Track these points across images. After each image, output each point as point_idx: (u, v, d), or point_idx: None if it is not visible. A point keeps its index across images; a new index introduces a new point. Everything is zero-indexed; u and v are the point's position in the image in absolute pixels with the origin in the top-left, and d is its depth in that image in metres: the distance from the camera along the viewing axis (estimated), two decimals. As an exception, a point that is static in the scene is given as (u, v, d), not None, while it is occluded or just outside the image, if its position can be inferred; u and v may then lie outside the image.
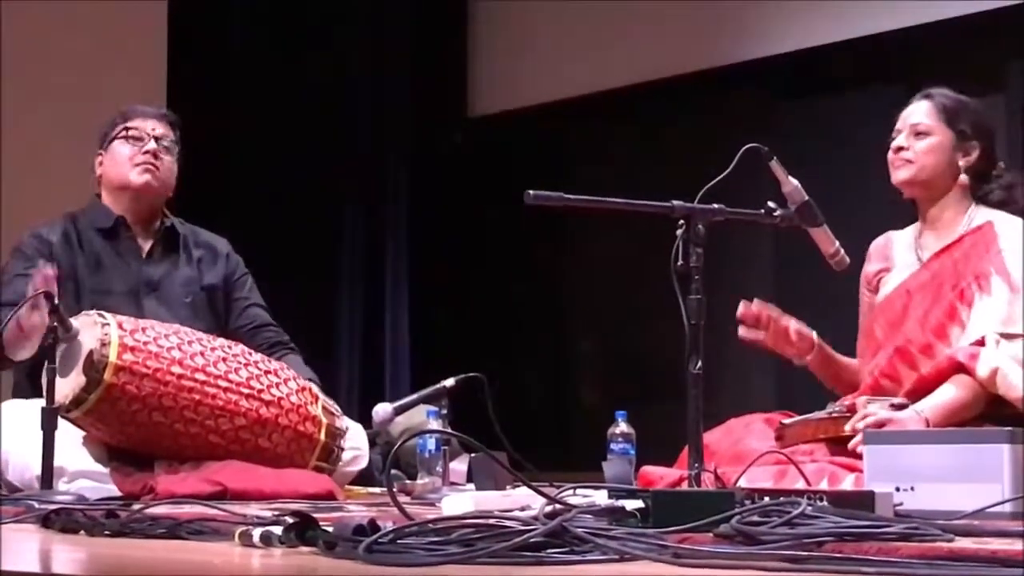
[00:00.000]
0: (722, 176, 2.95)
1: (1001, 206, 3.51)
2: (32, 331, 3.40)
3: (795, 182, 3.12)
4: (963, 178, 3.51)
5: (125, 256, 4.00)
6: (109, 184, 4.04)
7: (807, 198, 3.12)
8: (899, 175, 3.54)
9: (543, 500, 2.23)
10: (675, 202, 2.91)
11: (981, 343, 3.27)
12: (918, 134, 3.52)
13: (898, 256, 3.65)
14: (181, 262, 4.06)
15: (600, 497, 2.47)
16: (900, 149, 3.53)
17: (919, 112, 3.54)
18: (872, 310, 3.65)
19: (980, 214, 3.51)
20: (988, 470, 2.58)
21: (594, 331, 6.74)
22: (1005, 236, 3.41)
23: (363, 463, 3.90)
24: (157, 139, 4.02)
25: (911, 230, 3.65)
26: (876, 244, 3.72)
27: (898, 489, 2.59)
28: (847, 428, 3.26)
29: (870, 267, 3.70)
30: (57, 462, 3.23)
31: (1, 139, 5.66)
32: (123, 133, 4.02)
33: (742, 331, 3.55)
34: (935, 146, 3.51)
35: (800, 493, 2.34)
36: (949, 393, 3.24)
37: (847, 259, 3.21)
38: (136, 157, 3.99)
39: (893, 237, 3.69)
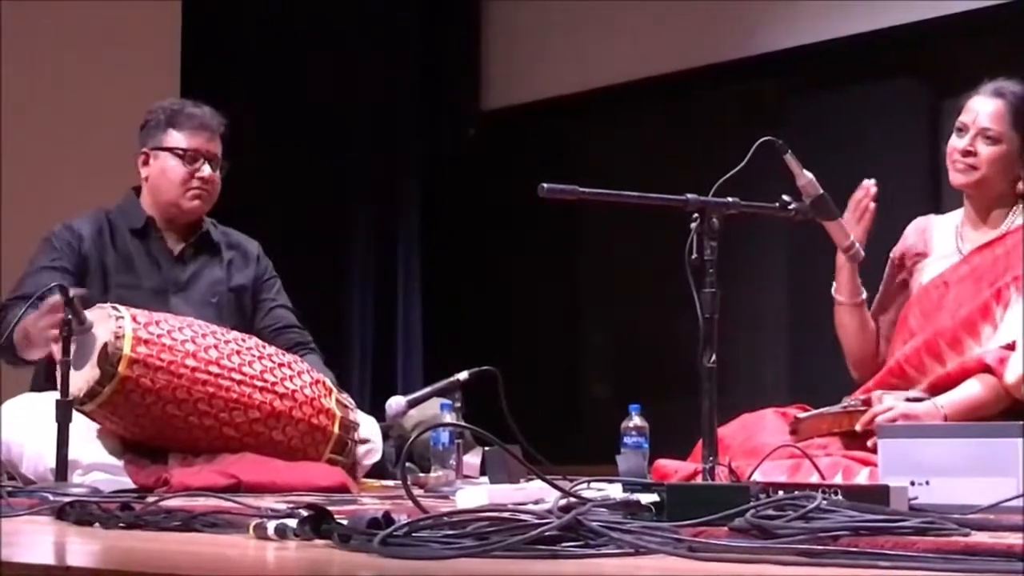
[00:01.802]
0: (736, 169, 2.94)
1: None
2: (39, 340, 3.42)
3: (810, 175, 3.11)
4: (1021, 186, 3.45)
5: (156, 256, 3.99)
6: (155, 194, 4.00)
7: (822, 192, 3.11)
8: (960, 179, 3.46)
9: (557, 493, 2.23)
10: (689, 195, 2.91)
11: (1011, 348, 3.25)
12: (987, 138, 3.42)
13: (937, 243, 3.59)
14: (211, 263, 4.06)
15: (614, 491, 2.47)
16: (967, 153, 3.43)
17: (991, 114, 3.43)
18: (894, 288, 3.62)
19: None
20: (1003, 464, 2.57)
21: (608, 324, 6.74)
22: None
23: (376, 456, 3.91)
24: (210, 160, 3.99)
25: (954, 217, 3.59)
26: (916, 225, 3.66)
27: (913, 483, 2.58)
28: (858, 427, 3.23)
29: (906, 245, 3.64)
30: (71, 455, 3.24)
31: (13, 135, 5.67)
32: (179, 152, 3.96)
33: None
34: (1003, 154, 3.43)
35: (815, 487, 2.34)
36: (971, 390, 3.23)
37: (862, 253, 3.20)
38: (190, 182, 3.95)
39: (934, 221, 3.63)
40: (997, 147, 3.42)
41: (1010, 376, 3.20)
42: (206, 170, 3.97)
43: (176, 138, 3.98)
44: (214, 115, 4.04)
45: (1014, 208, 3.47)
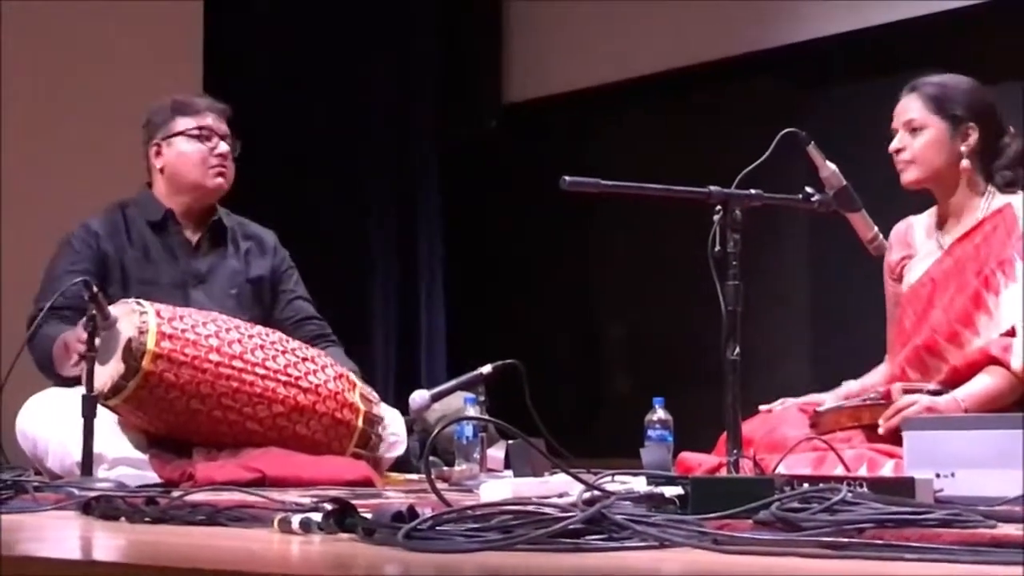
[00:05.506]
0: (759, 161, 2.94)
1: (1010, 187, 3.48)
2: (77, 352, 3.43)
3: (833, 167, 3.10)
4: (965, 163, 3.47)
5: (174, 249, 3.99)
6: (175, 180, 4.00)
7: (845, 183, 3.10)
8: (905, 177, 3.51)
9: (581, 487, 2.23)
10: (712, 188, 2.90)
11: (1012, 334, 3.25)
12: (913, 130, 3.48)
13: (919, 242, 3.60)
14: (228, 254, 4.06)
15: (639, 484, 2.47)
16: (899, 151, 3.50)
17: (909, 107, 3.51)
18: (897, 299, 3.62)
19: (997, 197, 3.47)
20: (1029, 456, 2.56)
21: (631, 317, 6.72)
22: None
23: (400, 448, 3.91)
24: (223, 138, 4.01)
25: (930, 214, 3.60)
26: (897, 231, 3.67)
27: (938, 475, 2.57)
28: (882, 427, 3.22)
29: (892, 255, 3.65)
30: (97, 449, 3.25)
31: (33, 128, 5.68)
32: (194, 131, 3.99)
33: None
34: (932, 138, 3.47)
35: (840, 479, 2.33)
36: (985, 382, 3.22)
37: (885, 244, 3.19)
38: (209, 159, 3.97)
39: (913, 222, 3.65)
40: (924, 133, 3.47)
41: (1016, 363, 3.20)
42: (222, 147, 4.00)
43: (186, 122, 4.01)
44: (216, 101, 4.09)
45: (985, 194, 3.47)
